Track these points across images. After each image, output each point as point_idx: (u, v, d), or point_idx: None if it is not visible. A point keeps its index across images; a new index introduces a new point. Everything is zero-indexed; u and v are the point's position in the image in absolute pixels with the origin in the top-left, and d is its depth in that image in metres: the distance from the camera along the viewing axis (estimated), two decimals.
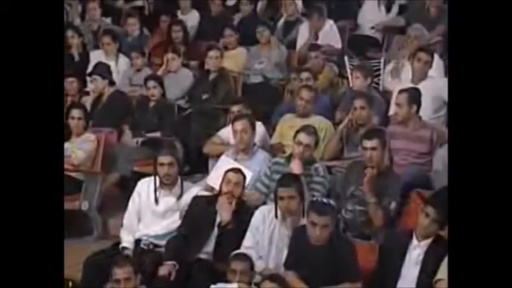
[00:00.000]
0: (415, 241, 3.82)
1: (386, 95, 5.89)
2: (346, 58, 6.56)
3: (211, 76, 6.36)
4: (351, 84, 6.12)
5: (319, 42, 6.80)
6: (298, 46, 6.99)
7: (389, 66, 6.31)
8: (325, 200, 3.94)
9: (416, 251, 3.81)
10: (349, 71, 6.38)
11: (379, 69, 6.38)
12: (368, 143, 4.38)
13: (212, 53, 6.36)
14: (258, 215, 4.22)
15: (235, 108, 5.40)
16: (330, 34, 6.91)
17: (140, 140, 5.81)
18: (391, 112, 5.50)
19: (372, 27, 7.23)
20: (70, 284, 4.55)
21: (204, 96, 6.25)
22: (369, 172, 4.32)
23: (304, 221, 4.00)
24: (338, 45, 6.92)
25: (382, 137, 4.48)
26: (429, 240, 3.78)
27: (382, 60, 6.44)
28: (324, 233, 3.80)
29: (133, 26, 7.35)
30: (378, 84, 6.27)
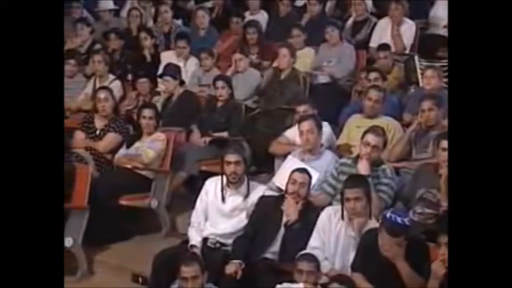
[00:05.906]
0: None
1: None
2: (416, 58, 6.44)
3: (283, 75, 6.38)
4: (421, 85, 6.00)
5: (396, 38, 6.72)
6: (371, 44, 6.90)
7: None
8: (399, 220, 3.67)
9: None
10: (419, 71, 6.26)
11: None
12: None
13: (284, 51, 6.35)
14: (324, 215, 4.21)
15: (301, 109, 5.39)
16: (408, 32, 6.82)
17: (208, 139, 5.89)
18: None
19: (444, 26, 7.06)
20: (140, 280, 4.68)
21: (273, 94, 6.27)
22: (445, 174, 4.21)
23: (371, 224, 3.95)
24: (409, 44, 6.80)
25: None
26: None
27: None
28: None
29: (203, 27, 7.46)
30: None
